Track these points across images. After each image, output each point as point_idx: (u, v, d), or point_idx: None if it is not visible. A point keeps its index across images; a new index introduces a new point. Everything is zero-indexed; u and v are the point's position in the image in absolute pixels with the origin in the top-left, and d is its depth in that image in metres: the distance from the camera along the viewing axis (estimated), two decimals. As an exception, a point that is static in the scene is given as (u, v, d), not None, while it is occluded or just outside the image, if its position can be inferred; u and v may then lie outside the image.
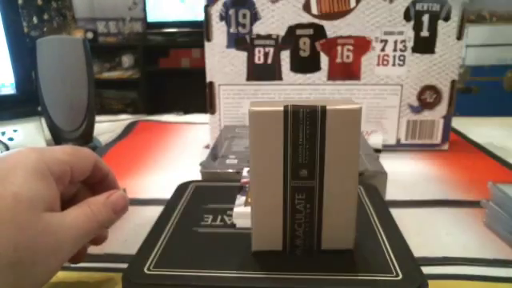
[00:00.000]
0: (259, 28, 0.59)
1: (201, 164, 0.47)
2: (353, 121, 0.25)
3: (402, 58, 0.59)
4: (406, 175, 0.53)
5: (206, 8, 0.59)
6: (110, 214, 0.28)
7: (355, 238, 0.28)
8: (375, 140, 0.62)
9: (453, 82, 0.60)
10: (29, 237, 0.22)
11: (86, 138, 0.66)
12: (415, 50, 0.59)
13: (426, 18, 0.58)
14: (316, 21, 0.58)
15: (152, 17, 2.87)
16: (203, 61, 0.61)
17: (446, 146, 0.63)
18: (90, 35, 2.87)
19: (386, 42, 0.59)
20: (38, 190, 0.23)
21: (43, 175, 0.24)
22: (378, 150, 0.60)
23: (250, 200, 0.32)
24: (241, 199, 0.35)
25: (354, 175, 0.26)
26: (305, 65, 0.60)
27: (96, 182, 0.30)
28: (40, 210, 0.23)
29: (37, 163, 0.24)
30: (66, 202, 0.27)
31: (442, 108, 0.61)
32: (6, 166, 0.24)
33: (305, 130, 0.25)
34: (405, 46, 0.59)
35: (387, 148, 0.63)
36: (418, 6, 0.58)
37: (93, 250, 0.37)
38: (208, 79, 0.61)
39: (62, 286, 0.32)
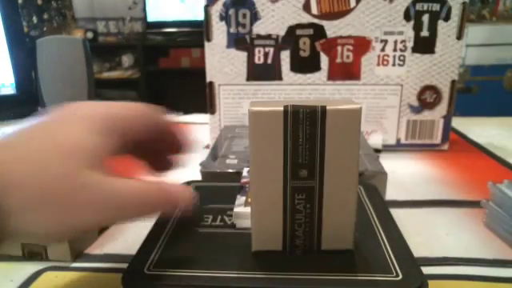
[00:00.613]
0: (259, 28, 0.59)
1: (201, 164, 0.47)
2: (353, 121, 0.25)
3: (401, 57, 0.59)
4: (405, 175, 0.53)
5: (206, 8, 0.59)
6: (167, 206, 0.26)
7: (355, 238, 0.28)
8: (375, 140, 0.62)
9: (453, 82, 0.60)
10: (66, 188, 0.21)
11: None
12: (415, 49, 0.59)
13: (425, 18, 0.58)
14: (316, 21, 0.58)
15: (152, 16, 2.88)
16: (203, 61, 0.61)
17: (445, 146, 0.63)
18: (89, 35, 2.87)
19: (385, 41, 0.59)
20: (84, 140, 0.22)
21: (106, 129, 0.23)
22: (377, 150, 0.60)
23: (249, 200, 0.32)
24: (241, 199, 0.35)
25: (354, 175, 0.26)
26: (305, 65, 0.60)
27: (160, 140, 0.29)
28: (87, 166, 0.22)
29: (102, 116, 0.24)
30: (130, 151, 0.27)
31: (442, 108, 0.61)
32: (71, 114, 0.24)
33: (305, 130, 0.25)
34: (405, 46, 0.59)
35: (387, 148, 0.63)
36: (418, 6, 0.58)
37: (93, 250, 0.37)
38: (208, 79, 0.61)
39: (62, 286, 0.32)
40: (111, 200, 0.23)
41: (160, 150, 0.30)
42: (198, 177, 0.45)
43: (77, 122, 0.23)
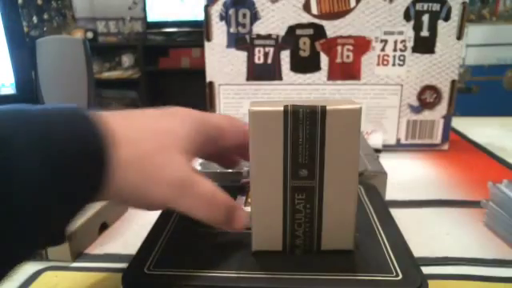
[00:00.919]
0: (259, 28, 0.59)
1: (201, 164, 0.47)
2: (353, 121, 0.25)
3: (402, 57, 0.59)
4: (405, 175, 0.53)
5: (206, 8, 0.59)
6: (223, 221, 0.27)
7: (355, 238, 0.28)
8: (375, 140, 0.62)
9: (453, 82, 0.60)
10: (157, 159, 0.25)
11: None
12: (415, 49, 0.59)
13: (425, 18, 0.58)
14: (316, 21, 0.58)
15: (152, 16, 2.87)
16: (203, 61, 0.61)
17: (445, 146, 0.63)
18: (89, 35, 2.87)
19: (385, 41, 0.59)
20: (188, 134, 0.27)
21: (198, 128, 0.28)
22: (378, 150, 0.60)
23: (249, 200, 0.32)
24: (241, 199, 0.35)
25: (354, 175, 0.26)
26: (305, 65, 0.60)
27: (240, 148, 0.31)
28: (176, 148, 0.26)
29: (197, 118, 0.28)
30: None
31: (442, 108, 0.61)
32: (174, 111, 0.28)
33: (305, 129, 0.25)
34: (405, 46, 0.59)
35: (387, 148, 0.63)
36: (418, 6, 0.58)
37: (93, 249, 0.37)
38: (208, 79, 0.61)
39: (62, 286, 0.32)
40: (185, 183, 0.25)
41: (232, 152, 0.33)
42: (198, 177, 0.45)
43: (176, 116, 0.28)
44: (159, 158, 0.25)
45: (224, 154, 0.33)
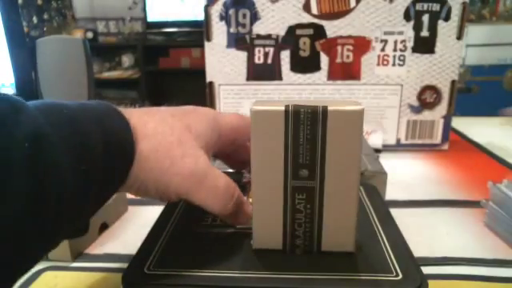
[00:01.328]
0: (259, 28, 0.59)
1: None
2: (355, 122, 0.25)
3: (402, 57, 0.59)
4: (405, 175, 0.53)
5: (206, 8, 0.59)
6: (231, 215, 0.28)
7: (356, 240, 0.28)
8: (375, 140, 0.62)
9: (453, 82, 0.60)
10: (176, 150, 0.26)
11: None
12: (415, 49, 0.59)
13: (426, 18, 0.58)
14: (316, 21, 0.59)
15: (152, 16, 2.87)
16: (203, 61, 0.61)
17: (445, 146, 0.63)
18: (89, 35, 2.87)
19: (385, 41, 0.59)
20: (204, 131, 0.28)
21: (213, 127, 0.29)
22: (378, 150, 0.60)
23: (250, 199, 0.32)
24: (241, 199, 0.34)
25: (356, 177, 0.26)
26: (305, 65, 0.60)
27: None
28: (197, 145, 0.27)
29: (212, 116, 0.29)
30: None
31: (442, 108, 0.61)
32: (191, 109, 0.29)
33: (306, 130, 0.25)
34: (405, 46, 0.59)
35: (387, 148, 0.63)
36: (418, 6, 0.58)
37: (93, 249, 0.37)
38: (208, 79, 0.61)
39: (63, 286, 0.32)
40: (202, 176, 0.26)
41: (243, 151, 0.34)
42: (198, 177, 0.45)
43: (193, 114, 0.29)
44: (177, 151, 0.26)
45: (235, 154, 0.34)
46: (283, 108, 0.24)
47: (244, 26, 0.59)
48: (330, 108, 0.24)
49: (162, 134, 0.26)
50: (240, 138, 0.32)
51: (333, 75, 0.60)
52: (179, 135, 0.27)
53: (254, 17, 0.59)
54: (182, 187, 0.26)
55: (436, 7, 0.57)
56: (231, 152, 0.34)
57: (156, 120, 0.27)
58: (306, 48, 0.60)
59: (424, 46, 0.59)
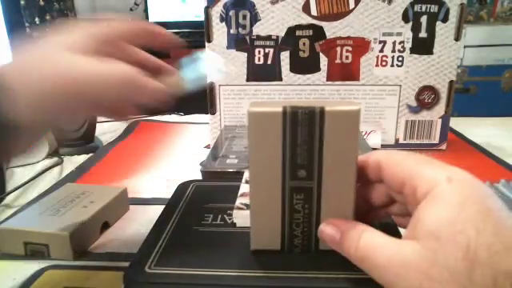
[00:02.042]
0: (259, 29, 0.59)
1: (201, 164, 0.47)
2: (352, 122, 0.25)
3: (400, 58, 0.60)
4: (404, 175, 0.54)
5: (207, 9, 0.59)
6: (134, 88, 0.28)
7: None
8: (374, 140, 0.62)
9: (451, 83, 0.61)
10: (46, 61, 0.26)
11: (87, 138, 0.66)
12: (413, 50, 0.60)
13: (424, 19, 0.58)
14: (315, 22, 0.59)
15: (153, 18, 2.88)
16: (203, 61, 0.61)
17: (443, 146, 0.64)
18: (90, 35, 2.87)
19: (384, 42, 0.59)
20: (71, 38, 0.27)
21: (87, 35, 0.28)
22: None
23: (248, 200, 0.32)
24: (240, 199, 0.35)
25: (353, 177, 0.26)
26: (304, 65, 0.61)
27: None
28: (64, 50, 0.26)
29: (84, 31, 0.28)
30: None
31: (440, 108, 0.62)
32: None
33: (303, 130, 0.25)
34: (403, 47, 0.60)
35: (386, 148, 0.63)
36: (417, 8, 0.58)
37: (95, 248, 0.37)
38: (208, 79, 0.62)
39: (63, 285, 0.32)
40: (74, 71, 0.26)
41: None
42: (199, 176, 0.46)
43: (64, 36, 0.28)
44: (52, 57, 0.26)
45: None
46: (281, 109, 0.25)
47: (244, 27, 0.60)
48: (327, 108, 0.25)
49: (32, 56, 0.26)
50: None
51: (332, 76, 0.61)
52: (50, 48, 0.27)
53: (254, 18, 0.59)
54: (70, 90, 0.25)
55: (434, 8, 0.58)
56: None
57: (24, 56, 0.27)
58: (305, 49, 0.60)
59: (422, 46, 0.59)
